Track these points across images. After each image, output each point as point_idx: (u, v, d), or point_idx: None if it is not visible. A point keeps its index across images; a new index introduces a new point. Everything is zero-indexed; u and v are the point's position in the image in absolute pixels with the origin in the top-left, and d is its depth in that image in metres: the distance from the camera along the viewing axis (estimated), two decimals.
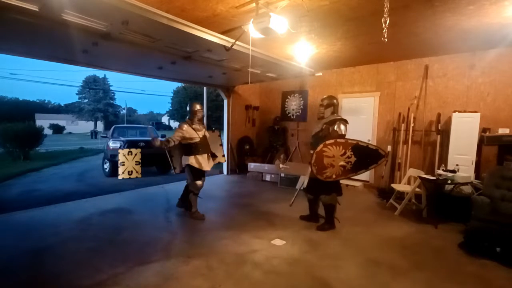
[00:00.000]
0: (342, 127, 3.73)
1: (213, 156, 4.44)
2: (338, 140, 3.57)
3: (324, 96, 4.03)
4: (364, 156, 3.59)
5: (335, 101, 3.95)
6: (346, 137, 3.71)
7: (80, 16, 2.84)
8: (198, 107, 4.25)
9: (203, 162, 4.19)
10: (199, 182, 4.18)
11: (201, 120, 4.33)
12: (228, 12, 3.51)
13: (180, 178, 5.76)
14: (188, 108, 4.32)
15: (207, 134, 4.39)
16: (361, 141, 3.63)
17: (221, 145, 5.06)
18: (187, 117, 4.26)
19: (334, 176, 3.61)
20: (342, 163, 3.56)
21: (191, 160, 4.11)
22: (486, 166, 4.77)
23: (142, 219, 4.16)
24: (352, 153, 3.55)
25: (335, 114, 3.90)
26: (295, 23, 3.37)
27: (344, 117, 3.93)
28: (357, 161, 3.57)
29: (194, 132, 4.11)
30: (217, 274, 2.68)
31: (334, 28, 4.04)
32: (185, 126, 4.08)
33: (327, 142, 3.55)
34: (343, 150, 3.54)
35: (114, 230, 3.70)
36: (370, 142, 3.69)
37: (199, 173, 4.18)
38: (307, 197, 4.14)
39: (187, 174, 4.21)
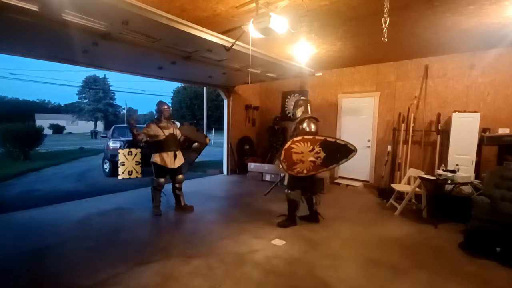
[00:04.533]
0: (312, 125, 3.89)
1: (196, 142, 4.72)
2: (306, 136, 3.73)
3: (296, 98, 4.20)
4: (333, 151, 3.74)
5: (301, 102, 4.13)
6: (326, 134, 3.91)
7: (80, 16, 2.84)
8: (165, 106, 4.48)
9: (168, 159, 4.34)
10: (161, 180, 4.36)
11: (168, 118, 4.48)
12: (228, 12, 3.51)
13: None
14: (156, 107, 4.53)
15: (177, 132, 4.53)
16: (329, 137, 3.78)
17: (198, 130, 5.30)
18: (156, 117, 4.46)
19: (305, 171, 3.75)
20: (311, 158, 3.70)
21: (155, 158, 4.31)
22: (486, 166, 4.77)
23: (142, 219, 4.16)
24: (320, 148, 3.70)
25: (306, 113, 4.04)
26: (295, 23, 3.37)
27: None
28: (327, 156, 3.72)
29: (160, 130, 4.29)
30: (217, 274, 2.68)
31: (334, 28, 4.04)
32: (152, 125, 4.30)
33: (295, 139, 3.71)
34: (311, 146, 3.68)
35: (114, 230, 3.70)
36: (338, 138, 3.84)
37: (163, 171, 4.35)
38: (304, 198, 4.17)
39: (153, 169, 4.39)
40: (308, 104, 4.09)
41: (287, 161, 3.69)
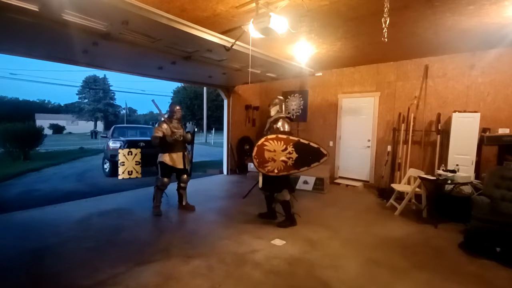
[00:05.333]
0: (286, 125, 3.95)
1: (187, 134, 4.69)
2: (280, 135, 3.74)
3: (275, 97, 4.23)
4: (306, 153, 3.72)
5: (277, 100, 4.13)
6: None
7: (80, 16, 2.84)
8: (177, 107, 4.57)
9: (177, 160, 4.39)
10: (166, 180, 4.40)
11: (179, 120, 4.56)
12: (228, 12, 3.51)
13: None
14: (168, 108, 4.62)
15: (184, 134, 4.58)
16: (302, 139, 3.77)
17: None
18: (167, 116, 4.52)
19: (276, 171, 3.73)
20: (283, 158, 3.69)
21: (165, 158, 4.34)
22: (486, 166, 4.77)
23: (142, 219, 4.16)
24: (293, 149, 3.69)
25: (280, 113, 4.07)
26: (295, 23, 3.37)
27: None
28: (299, 157, 3.71)
29: (171, 131, 4.33)
30: (217, 274, 2.68)
31: (334, 28, 4.04)
32: (164, 125, 4.33)
33: (269, 136, 3.74)
34: (284, 146, 3.69)
35: (114, 230, 3.70)
36: (312, 141, 3.79)
37: (169, 171, 4.40)
38: (264, 195, 4.20)
39: (158, 169, 4.43)
40: (283, 104, 4.13)
41: (259, 158, 3.70)
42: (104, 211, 4.49)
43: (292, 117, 7.87)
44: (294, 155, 3.68)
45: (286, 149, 3.67)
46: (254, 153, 3.70)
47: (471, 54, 5.12)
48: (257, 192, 5.91)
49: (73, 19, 2.87)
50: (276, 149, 3.67)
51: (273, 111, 4.12)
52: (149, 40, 3.61)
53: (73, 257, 2.96)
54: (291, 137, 3.73)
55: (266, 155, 3.69)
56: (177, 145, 4.38)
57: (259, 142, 3.70)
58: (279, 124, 3.96)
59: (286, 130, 3.93)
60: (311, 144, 3.73)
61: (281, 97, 4.20)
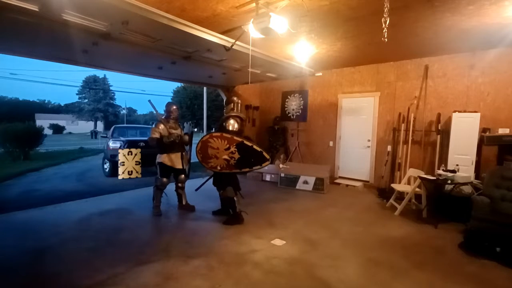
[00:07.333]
0: (236, 124, 4.05)
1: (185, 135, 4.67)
2: (224, 134, 3.80)
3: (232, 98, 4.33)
4: (248, 155, 3.74)
5: (235, 98, 4.25)
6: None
7: (80, 16, 2.84)
8: (174, 107, 4.55)
9: (176, 160, 4.40)
10: (165, 180, 4.40)
11: (176, 119, 4.55)
12: (228, 12, 3.51)
13: None
14: (164, 108, 4.60)
15: (183, 133, 4.59)
16: (246, 140, 3.77)
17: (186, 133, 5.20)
18: (163, 116, 4.49)
19: (218, 168, 3.84)
20: (225, 156, 3.78)
21: (164, 159, 4.33)
22: (486, 166, 4.77)
23: (142, 219, 4.16)
24: (236, 149, 3.74)
25: (233, 111, 4.15)
26: (295, 23, 3.37)
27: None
28: (241, 158, 3.73)
29: (168, 131, 4.32)
30: (217, 274, 2.68)
31: (334, 28, 4.04)
32: (161, 126, 4.30)
33: (213, 134, 3.82)
34: (228, 145, 3.74)
35: (114, 230, 3.70)
36: (255, 144, 3.79)
37: (168, 171, 4.41)
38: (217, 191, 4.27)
39: (158, 169, 4.43)
40: (239, 104, 4.21)
41: (202, 153, 3.84)
42: (104, 211, 4.48)
43: (292, 117, 7.91)
44: (237, 155, 3.75)
45: (229, 148, 3.75)
46: (198, 148, 3.83)
47: (471, 54, 5.12)
48: (256, 191, 5.92)
49: (73, 19, 2.87)
50: (219, 147, 3.77)
51: (227, 109, 4.19)
52: (149, 40, 3.62)
53: (73, 257, 2.96)
54: (235, 137, 3.75)
55: (209, 151, 3.81)
56: (175, 146, 4.36)
57: (204, 138, 3.83)
58: (231, 121, 4.05)
59: (235, 129, 4.00)
60: (255, 147, 3.72)
61: (237, 97, 4.28)
